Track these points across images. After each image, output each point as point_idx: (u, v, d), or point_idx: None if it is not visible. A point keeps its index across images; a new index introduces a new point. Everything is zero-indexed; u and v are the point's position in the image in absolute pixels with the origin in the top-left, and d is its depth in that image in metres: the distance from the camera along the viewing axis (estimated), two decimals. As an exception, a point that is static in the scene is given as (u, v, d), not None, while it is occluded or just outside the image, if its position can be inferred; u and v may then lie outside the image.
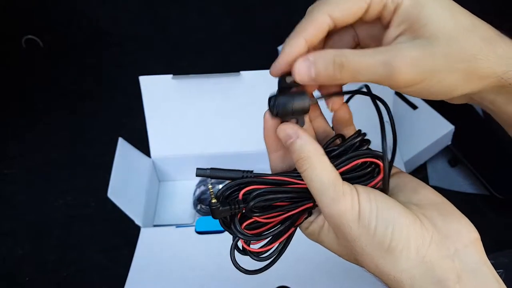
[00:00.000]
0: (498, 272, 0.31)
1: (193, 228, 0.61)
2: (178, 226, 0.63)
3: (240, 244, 0.32)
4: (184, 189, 0.72)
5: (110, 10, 1.08)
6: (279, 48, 0.90)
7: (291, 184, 0.30)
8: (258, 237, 0.31)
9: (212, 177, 0.31)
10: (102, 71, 0.96)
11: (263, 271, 0.32)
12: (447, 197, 0.32)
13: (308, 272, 0.56)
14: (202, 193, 0.69)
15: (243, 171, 0.31)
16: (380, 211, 0.28)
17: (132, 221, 0.62)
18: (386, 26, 0.29)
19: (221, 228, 0.67)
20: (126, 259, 0.60)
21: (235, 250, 0.32)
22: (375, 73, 0.27)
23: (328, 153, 0.30)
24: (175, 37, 1.02)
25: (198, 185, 0.71)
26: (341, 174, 0.29)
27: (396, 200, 0.29)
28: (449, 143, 0.72)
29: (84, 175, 0.78)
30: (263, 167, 0.72)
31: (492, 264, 0.31)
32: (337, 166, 0.29)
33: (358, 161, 0.30)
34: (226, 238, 0.67)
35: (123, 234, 0.69)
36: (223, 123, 0.68)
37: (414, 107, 0.73)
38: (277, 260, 0.32)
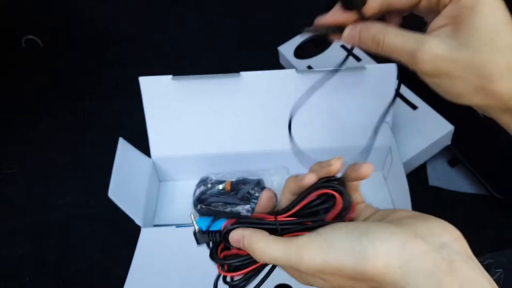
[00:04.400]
0: (497, 272, 0.31)
1: (193, 228, 0.61)
2: (178, 226, 0.63)
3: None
4: (184, 189, 0.72)
5: (110, 10, 1.08)
6: (279, 48, 0.90)
7: (263, 222, 0.32)
8: (225, 260, 0.33)
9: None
10: (102, 71, 0.96)
11: None
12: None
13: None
14: (202, 193, 0.69)
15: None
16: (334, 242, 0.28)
17: (132, 221, 0.62)
18: (437, 13, 0.31)
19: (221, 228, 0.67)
20: (126, 259, 0.60)
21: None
22: (402, 57, 0.31)
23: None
24: (175, 37, 1.02)
25: (198, 185, 0.71)
26: (301, 209, 0.31)
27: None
28: (449, 143, 0.72)
29: (84, 175, 0.78)
30: (262, 166, 0.73)
31: (491, 263, 0.31)
32: (295, 203, 0.32)
33: (314, 195, 0.31)
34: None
35: (123, 234, 0.69)
36: (223, 124, 0.68)
37: (414, 107, 0.73)
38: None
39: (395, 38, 0.31)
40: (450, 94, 0.31)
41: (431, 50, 0.29)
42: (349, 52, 0.39)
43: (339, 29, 0.35)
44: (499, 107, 0.30)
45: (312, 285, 0.31)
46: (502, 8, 0.29)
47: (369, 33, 0.33)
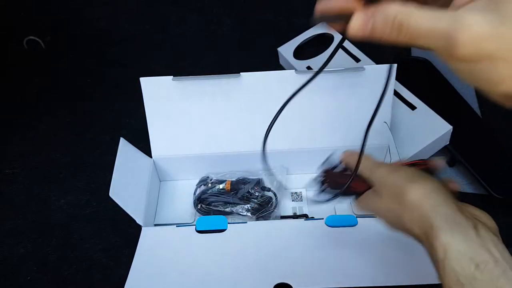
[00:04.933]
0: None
1: (193, 227, 0.62)
2: (178, 225, 0.63)
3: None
4: (185, 188, 0.73)
5: (110, 10, 1.09)
6: (279, 49, 0.91)
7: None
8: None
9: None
10: (102, 71, 0.97)
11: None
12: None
13: (308, 269, 0.56)
14: (203, 192, 0.70)
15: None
16: None
17: (132, 221, 0.62)
18: None
19: (221, 227, 0.68)
20: (126, 259, 0.60)
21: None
22: (434, 42, 0.25)
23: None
24: (175, 37, 1.03)
25: (199, 185, 0.71)
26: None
27: None
28: (447, 143, 0.72)
29: (85, 175, 0.78)
30: (262, 166, 0.73)
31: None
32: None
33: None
34: (227, 237, 0.68)
35: (123, 234, 0.69)
36: (223, 124, 0.69)
37: (412, 107, 0.74)
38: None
39: (423, 19, 0.25)
40: (489, 81, 0.25)
41: (472, 28, 0.23)
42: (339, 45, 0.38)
43: (343, 17, 0.27)
44: None
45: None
46: None
47: (388, 16, 0.25)
